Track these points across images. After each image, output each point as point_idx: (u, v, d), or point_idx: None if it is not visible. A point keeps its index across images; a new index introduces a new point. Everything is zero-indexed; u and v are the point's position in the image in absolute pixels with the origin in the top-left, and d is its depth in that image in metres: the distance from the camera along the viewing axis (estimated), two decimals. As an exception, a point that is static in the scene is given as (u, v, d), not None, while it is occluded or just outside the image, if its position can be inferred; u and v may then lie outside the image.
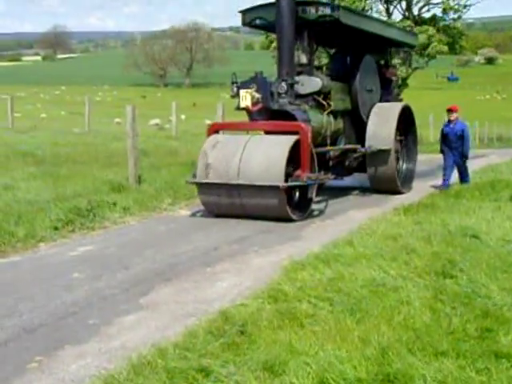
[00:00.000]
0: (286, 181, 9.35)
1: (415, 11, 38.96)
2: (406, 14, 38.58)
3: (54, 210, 9.27)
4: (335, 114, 11.71)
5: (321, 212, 10.63)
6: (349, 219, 10.00)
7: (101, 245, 8.26)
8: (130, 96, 74.05)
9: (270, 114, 10.32)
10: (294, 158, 9.60)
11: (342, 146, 12.05)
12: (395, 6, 39.38)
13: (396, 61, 36.28)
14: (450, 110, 13.39)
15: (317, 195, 10.40)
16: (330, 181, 11.62)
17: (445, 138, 13.40)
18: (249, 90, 10.06)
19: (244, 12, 11.95)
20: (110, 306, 5.79)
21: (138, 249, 7.95)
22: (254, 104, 10.10)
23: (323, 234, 8.74)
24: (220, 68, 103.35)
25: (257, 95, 10.04)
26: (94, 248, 8.08)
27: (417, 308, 5.21)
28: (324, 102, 11.29)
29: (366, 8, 38.09)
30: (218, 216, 9.95)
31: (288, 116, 10.30)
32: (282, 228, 9.31)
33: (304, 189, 9.84)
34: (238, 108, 10.34)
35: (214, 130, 10.55)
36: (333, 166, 11.86)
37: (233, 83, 10.37)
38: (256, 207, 9.47)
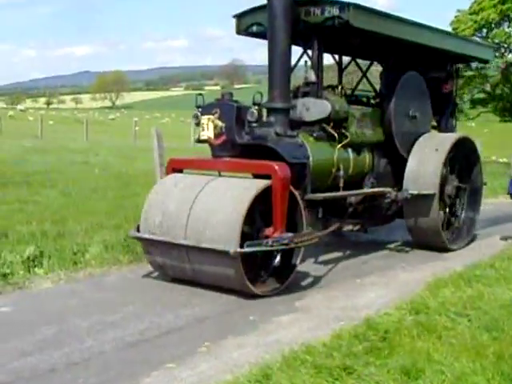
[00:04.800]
0: (243, 244, 6.11)
1: None
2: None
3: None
4: (357, 147, 8.34)
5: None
6: (492, 244, 9.54)
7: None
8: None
9: (242, 149, 7.06)
10: (269, 211, 6.50)
11: (368, 189, 8.56)
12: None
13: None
14: None
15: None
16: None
17: None
18: (211, 117, 7.00)
19: (239, 17, 8.60)
20: (269, 306, 6.02)
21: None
22: (217, 135, 7.02)
23: (466, 256, 8.51)
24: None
25: (220, 124, 7.01)
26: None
27: (553, 331, 5.01)
28: (334, 132, 7.84)
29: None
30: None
31: (272, 152, 6.97)
32: (427, 248, 9.11)
33: (289, 251, 6.64)
34: (199, 140, 7.27)
35: (173, 168, 7.30)
36: (356, 214, 8.59)
37: (197, 107, 7.23)
38: (208, 275, 6.47)
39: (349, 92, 9.42)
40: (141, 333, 5.18)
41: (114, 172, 15.16)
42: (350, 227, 8.69)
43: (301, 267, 7.52)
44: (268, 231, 6.46)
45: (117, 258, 7.62)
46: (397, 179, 8.95)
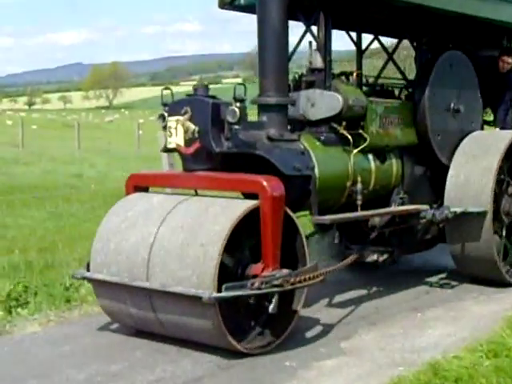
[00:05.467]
0: (221, 287, 5.51)
1: None
2: None
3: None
4: (381, 153, 7.83)
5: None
6: None
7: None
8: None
9: (223, 159, 6.50)
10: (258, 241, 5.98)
11: (397, 206, 8.04)
12: None
13: None
14: None
15: None
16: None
17: None
18: (180, 119, 6.31)
19: None
20: (309, 348, 5.99)
21: (343, 289, 8.06)
22: (188, 142, 6.36)
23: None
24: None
25: (192, 127, 6.28)
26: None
27: None
28: (347, 134, 7.29)
29: None
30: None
31: (263, 162, 6.39)
32: (479, 282, 8.86)
33: (289, 292, 6.05)
34: (165, 149, 6.76)
35: (135, 186, 6.74)
36: (383, 240, 8.11)
37: (164, 105, 6.65)
38: (179, 328, 5.96)
39: (371, 80, 9.01)
40: (151, 385, 5.16)
41: (113, 187, 15.24)
42: (374, 257, 8.10)
43: (346, 299, 7.49)
44: (256, 268, 5.92)
45: (119, 293, 7.63)
46: (435, 193, 8.51)
